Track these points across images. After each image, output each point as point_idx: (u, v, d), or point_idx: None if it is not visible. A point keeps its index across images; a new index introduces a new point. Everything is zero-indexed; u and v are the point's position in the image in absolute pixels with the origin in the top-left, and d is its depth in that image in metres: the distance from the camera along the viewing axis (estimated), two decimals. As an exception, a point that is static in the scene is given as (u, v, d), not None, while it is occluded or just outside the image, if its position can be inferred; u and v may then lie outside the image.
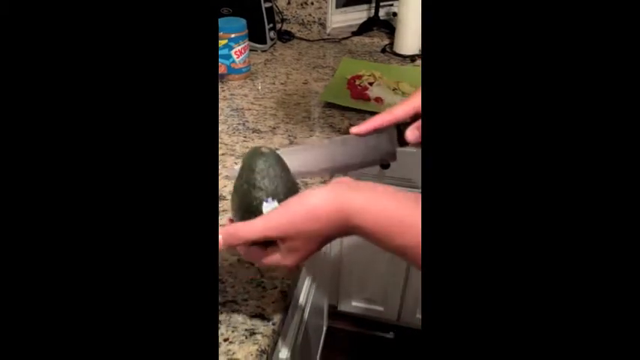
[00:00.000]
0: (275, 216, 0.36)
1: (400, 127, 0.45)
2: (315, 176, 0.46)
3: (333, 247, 1.17)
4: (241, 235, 0.37)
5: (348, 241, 1.16)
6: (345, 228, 0.35)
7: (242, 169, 0.39)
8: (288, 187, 0.38)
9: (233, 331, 0.46)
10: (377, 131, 0.44)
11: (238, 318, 0.47)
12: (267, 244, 0.38)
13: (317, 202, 0.35)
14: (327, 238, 0.36)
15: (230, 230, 0.37)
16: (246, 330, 0.46)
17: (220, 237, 0.37)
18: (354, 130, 0.44)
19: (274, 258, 0.38)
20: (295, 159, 0.42)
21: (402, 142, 0.45)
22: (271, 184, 0.38)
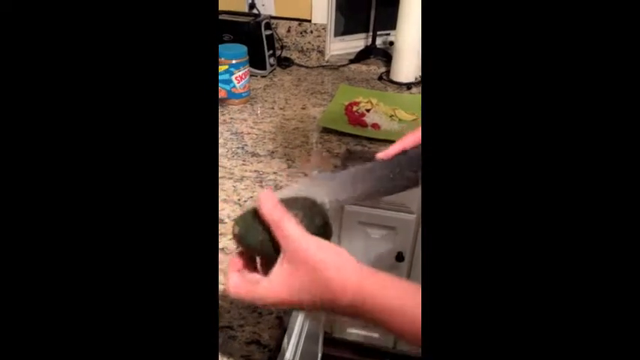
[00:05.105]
0: (312, 237, 0.34)
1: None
2: (343, 204, 0.44)
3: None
4: (285, 217, 0.35)
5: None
6: (361, 304, 0.32)
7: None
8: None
9: (229, 357, 0.45)
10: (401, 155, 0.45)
11: (234, 344, 0.46)
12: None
13: (345, 262, 0.33)
14: (332, 303, 0.33)
15: (283, 209, 0.35)
16: (242, 356, 0.45)
17: (273, 201, 0.35)
18: (380, 155, 0.44)
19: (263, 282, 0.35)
20: (324, 188, 0.42)
21: None
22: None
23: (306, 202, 0.39)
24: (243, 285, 0.36)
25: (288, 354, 0.73)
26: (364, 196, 0.44)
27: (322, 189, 0.41)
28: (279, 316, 0.50)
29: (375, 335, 1.27)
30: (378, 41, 1.40)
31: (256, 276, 0.37)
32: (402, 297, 0.32)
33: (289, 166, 0.81)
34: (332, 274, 0.33)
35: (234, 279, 0.36)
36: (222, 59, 0.99)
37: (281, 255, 0.35)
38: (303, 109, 1.06)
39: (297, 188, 0.42)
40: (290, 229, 0.34)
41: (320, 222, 0.37)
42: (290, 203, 0.37)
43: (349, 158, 0.97)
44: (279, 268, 0.34)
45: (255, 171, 0.79)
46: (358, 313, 0.33)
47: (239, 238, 0.38)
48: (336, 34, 1.41)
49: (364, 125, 0.96)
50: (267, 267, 0.36)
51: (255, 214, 0.37)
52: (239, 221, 0.38)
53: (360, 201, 0.45)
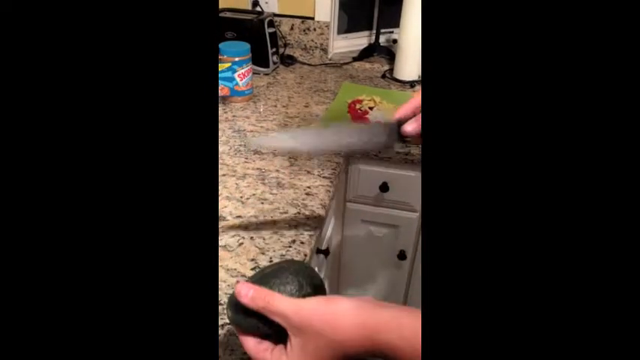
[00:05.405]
0: (301, 303, 0.35)
1: (401, 123, 0.51)
2: (324, 153, 0.54)
3: (329, 275, 1.17)
4: (269, 298, 0.35)
5: (344, 264, 1.16)
6: (369, 344, 0.33)
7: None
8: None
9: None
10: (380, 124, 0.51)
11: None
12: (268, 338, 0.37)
13: (340, 310, 0.33)
14: (345, 353, 0.33)
15: (264, 292, 0.36)
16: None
17: (252, 291, 0.35)
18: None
19: (276, 355, 0.35)
20: (308, 141, 0.52)
21: (401, 137, 0.52)
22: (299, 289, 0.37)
23: (288, 269, 0.38)
24: (264, 354, 0.36)
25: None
26: (342, 148, 0.52)
27: (308, 141, 0.51)
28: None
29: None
30: (382, 39, 1.40)
31: (271, 346, 0.37)
32: (400, 330, 0.32)
33: (291, 164, 0.81)
34: (333, 326, 0.33)
35: (253, 346, 0.36)
36: (224, 57, 0.99)
37: (288, 333, 0.34)
38: (306, 107, 1.06)
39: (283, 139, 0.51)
40: (282, 307, 0.34)
41: (309, 283, 0.37)
42: (272, 276, 0.37)
43: (351, 156, 0.97)
44: (293, 343, 0.34)
45: (258, 168, 0.79)
46: (370, 351, 0.33)
47: (235, 325, 0.38)
48: (339, 32, 1.40)
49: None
50: (275, 340, 0.36)
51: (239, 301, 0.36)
52: (229, 308, 0.38)
53: (339, 151, 0.55)
